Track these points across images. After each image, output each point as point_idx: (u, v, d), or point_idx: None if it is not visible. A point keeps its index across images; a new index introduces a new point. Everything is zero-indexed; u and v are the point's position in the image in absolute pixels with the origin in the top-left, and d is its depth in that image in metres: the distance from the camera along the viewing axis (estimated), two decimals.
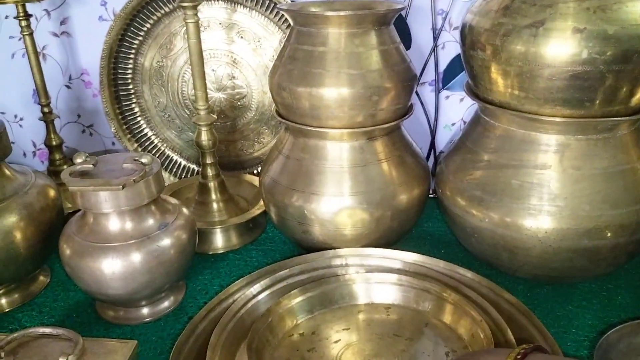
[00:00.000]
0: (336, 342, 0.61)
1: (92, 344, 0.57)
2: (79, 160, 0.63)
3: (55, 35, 0.93)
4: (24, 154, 1.02)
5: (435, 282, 0.66)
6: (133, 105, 0.94)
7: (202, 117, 0.80)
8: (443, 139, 0.94)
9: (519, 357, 0.42)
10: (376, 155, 0.71)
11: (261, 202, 0.85)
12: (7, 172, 0.70)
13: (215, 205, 0.85)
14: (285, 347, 0.61)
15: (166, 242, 0.65)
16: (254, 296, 0.66)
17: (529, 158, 0.63)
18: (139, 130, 0.96)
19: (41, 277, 0.77)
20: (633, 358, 0.55)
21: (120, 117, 0.93)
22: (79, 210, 0.67)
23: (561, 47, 0.57)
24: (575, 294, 0.70)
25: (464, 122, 0.92)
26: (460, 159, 0.71)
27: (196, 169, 0.99)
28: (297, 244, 0.78)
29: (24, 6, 0.80)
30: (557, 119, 0.61)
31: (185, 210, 0.70)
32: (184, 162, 0.99)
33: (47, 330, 0.57)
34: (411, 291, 0.66)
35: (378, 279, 0.67)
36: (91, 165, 0.63)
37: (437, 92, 0.90)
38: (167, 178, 0.97)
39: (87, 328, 0.67)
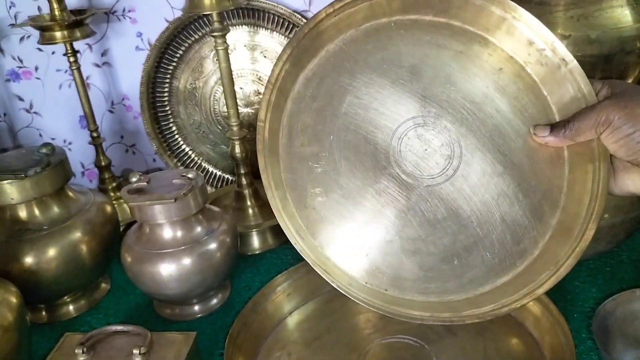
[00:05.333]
0: None
1: (158, 337, 0.65)
2: (134, 179, 0.73)
3: (97, 65, 1.03)
4: (74, 175, 1.12)
5: None
6: (171, 125, 1.04)
7: (235, 132, 0.89)
8: None
9: None
10: None
11: None
12: (70, 193, 0.80)
13: (251, 211, 0.94)
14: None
15: (213, 245, 0.74)
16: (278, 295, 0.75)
17: None
18: (177, 147, 1.05)
19: (103, 285, 0.86)
20: (628, 323, 0.62)
21: (160, 136, 1.03)
22: (133, 222, 0.77)
23: None
24: (582, 270, 0.77)
25: None
26: None
27: (230, 178, 1.08)
28: None
29: (71, 44, 0.89)
30: None
31: (227, 217, 0.79)
32: (219, 173, 1.08)
33: (119, 327, 0.67)
34: None
35: None
36: (145, 183, 0.72)
37: None
38: None
39: (148, 325, 0.74)
